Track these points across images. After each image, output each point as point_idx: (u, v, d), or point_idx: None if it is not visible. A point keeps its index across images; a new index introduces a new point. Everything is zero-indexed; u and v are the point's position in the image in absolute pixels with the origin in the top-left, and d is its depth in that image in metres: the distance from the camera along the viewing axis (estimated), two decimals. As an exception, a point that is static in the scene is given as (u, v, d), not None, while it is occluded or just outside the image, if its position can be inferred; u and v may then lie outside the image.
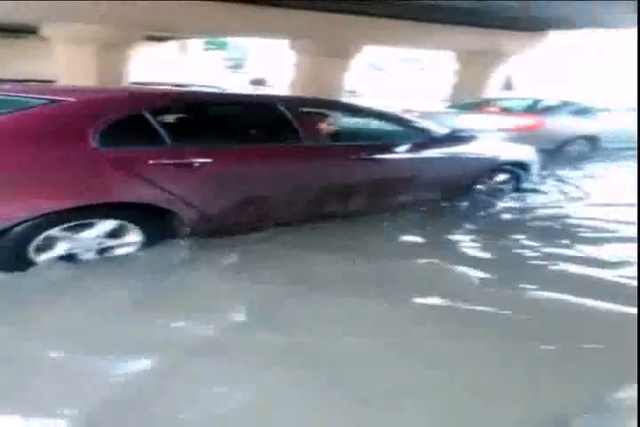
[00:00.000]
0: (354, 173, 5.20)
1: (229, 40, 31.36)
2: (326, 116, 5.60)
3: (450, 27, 13.82)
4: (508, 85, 17.63)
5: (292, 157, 4.83)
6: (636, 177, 6.69)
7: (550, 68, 32.15)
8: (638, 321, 3.17)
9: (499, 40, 15.08)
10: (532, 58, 20.15)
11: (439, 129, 5.92)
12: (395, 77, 33.50)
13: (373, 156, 5.29)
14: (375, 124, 5.78)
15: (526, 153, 6.77)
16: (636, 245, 4.94)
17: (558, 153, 10.19)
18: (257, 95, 7.11)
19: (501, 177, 6.49)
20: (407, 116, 6.36)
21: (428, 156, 5.68)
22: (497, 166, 6.35)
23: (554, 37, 16.03)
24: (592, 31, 18.11)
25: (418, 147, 5.62)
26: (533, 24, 14.16)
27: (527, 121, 10.44)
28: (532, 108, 11.12)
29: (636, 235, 5.24)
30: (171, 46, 24.07)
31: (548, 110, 11.06)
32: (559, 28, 15.05)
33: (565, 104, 11.31)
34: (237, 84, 24.47)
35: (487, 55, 15.64)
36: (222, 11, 12.29)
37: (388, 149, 5.47)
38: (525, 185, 6.72)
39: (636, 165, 8.57)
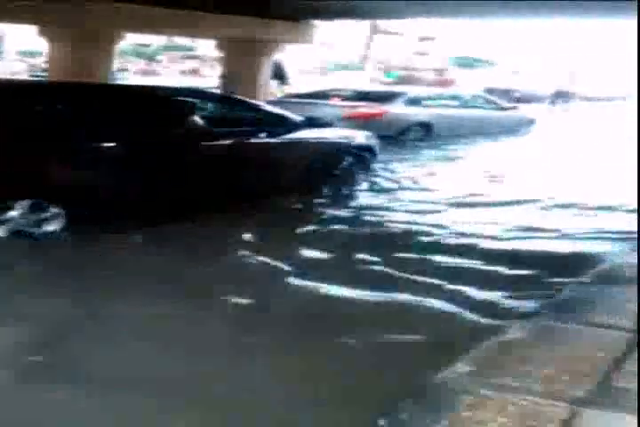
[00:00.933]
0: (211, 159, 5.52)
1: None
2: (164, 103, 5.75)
3: (214, 15, 13.48)
4: (279, 75, 17.59)
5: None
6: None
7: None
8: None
9: (266, 29, 14.97)
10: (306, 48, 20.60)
11: (295, 117, 6.46)
12: (164, 65, 32.62)
13: (235, 142, 5.72)
14: (234, 111, 6.35)
15: (369, 138, 7.63)
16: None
17: (397, 139, 11.12)
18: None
19: (351, 159, 7.21)
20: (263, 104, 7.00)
21: (289, 140, 6.25)
22: (349, 150, 7.19)
23: (326, 27, 16.47)
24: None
25: (279, 132, 6.15)
26: (301, 14, 14.22)
27: (370, 110, 11.41)
28: (369, 98, 12.12)
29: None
30: None
31: (386, 99, 12.07)
32: (327, 18, 15.29)
33: (400, 94, 12.68)
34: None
35: (255, 44, 15.47)
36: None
37: (252, 135, 5.94)
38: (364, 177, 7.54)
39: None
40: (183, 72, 28.75)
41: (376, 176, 7.95)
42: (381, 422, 2.39)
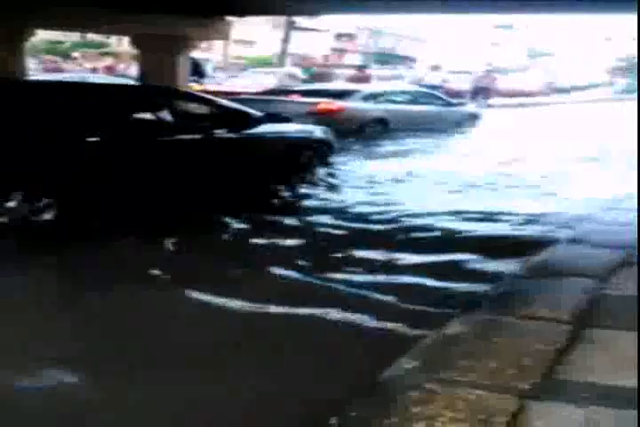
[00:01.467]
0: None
1: None
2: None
3: (128, 11, 13.12)
4: (198, 72, 17.34)
5: None
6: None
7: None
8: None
9: (181, 26, 14.68)
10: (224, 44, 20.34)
11: (255, 112, 6.62)
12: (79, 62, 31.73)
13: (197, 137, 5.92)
14: (195, 107, 6.37)
15: (326, 133, 7.92)
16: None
17: (357, 134, 11.51)
18: None
19: (310, 153, 7.45)
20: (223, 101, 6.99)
21: (253, 135, 6.45)
22: (309, 144, 7.48)
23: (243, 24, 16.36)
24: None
25: (241, 128, 6.33)
26: (213, 10, 14.02)
27: (330, 105, 11.63)
28: (327, 94, 12.31)
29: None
30: None
31: (343, 96, 12.37)
32: (240, 14, 15.13)
33: (356, 91, 13.13)
34: None
35: (170, 41, 15.17)
36: None
37: (215, 131, 6.13)
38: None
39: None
40: (94, 69, 28.01)
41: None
42: (333, 420, 2.35)
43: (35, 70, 20.98)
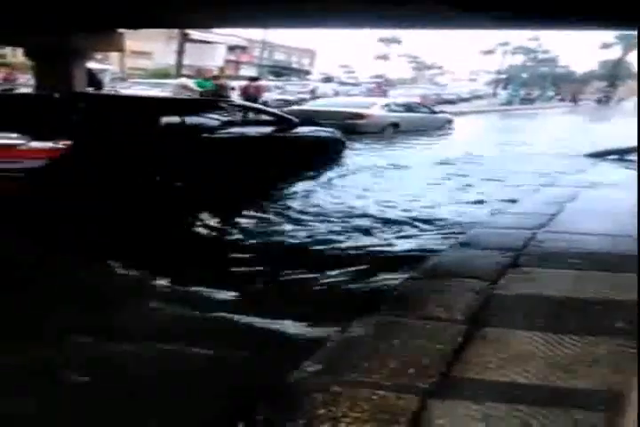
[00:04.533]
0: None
1: None
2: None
3: (17, 22, 12.70)
4: (93, 82, 16.99)
5: None
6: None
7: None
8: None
9: (75, 37, 14.35)
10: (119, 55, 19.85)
11: (294, 118, 9.31)
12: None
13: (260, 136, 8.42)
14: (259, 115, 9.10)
15: (339, 134, 10.78)
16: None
17: (378, 134, 15.95)
18: None
19: (333, 147, 10.44)
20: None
21: (295, 134, 8.98)
22: (333, 141, 10.40)
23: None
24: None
25: (287, 129, 8.84)
26: (107, 23, 13.77)
27: (361, 113, 16.57)
28: (354, 106, 17.40)
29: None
30: None
31: (367, 106, 17.33)
32: (130, 26, 14.92)
33: (376, 102, 18.38)
34: None
35: (65, 52, 14.83)
36: None
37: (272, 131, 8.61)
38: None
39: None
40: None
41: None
42: (240, 424, 2.39)
43: None
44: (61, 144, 5.65)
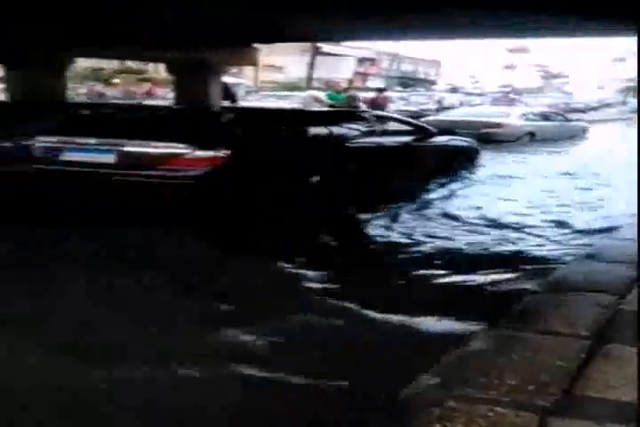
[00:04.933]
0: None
1: None
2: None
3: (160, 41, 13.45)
4: (229, 95, 17.71)
5: None
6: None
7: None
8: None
9: (213, 53, 15.01)
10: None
11: (432, 128, 9.68)
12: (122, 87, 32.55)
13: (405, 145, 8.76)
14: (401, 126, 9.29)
15: (474, 143, 11.03)
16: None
17: (513, 143, 16.31)
18: None
19: (472, 155, 10.75)
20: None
21: (432, 143, 9.25)
22: (470, 149, 10.69)
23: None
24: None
25: (426, 138, 9.17)
26: (241, 39, 14.29)
27: (499, 123, 16.93)
28: (491, 116, 17.72)
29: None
30: None
31: (504, 116, 17.70)
32: (265, 41, 15.41)
33: (512, 113, 18.66)
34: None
35: (203, 67, 15.56)
36: None
37: (415, 140, 8.96)
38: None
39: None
40: (133, 93, 29.18)
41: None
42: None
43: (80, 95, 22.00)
44: (222, 153, 5.99)
